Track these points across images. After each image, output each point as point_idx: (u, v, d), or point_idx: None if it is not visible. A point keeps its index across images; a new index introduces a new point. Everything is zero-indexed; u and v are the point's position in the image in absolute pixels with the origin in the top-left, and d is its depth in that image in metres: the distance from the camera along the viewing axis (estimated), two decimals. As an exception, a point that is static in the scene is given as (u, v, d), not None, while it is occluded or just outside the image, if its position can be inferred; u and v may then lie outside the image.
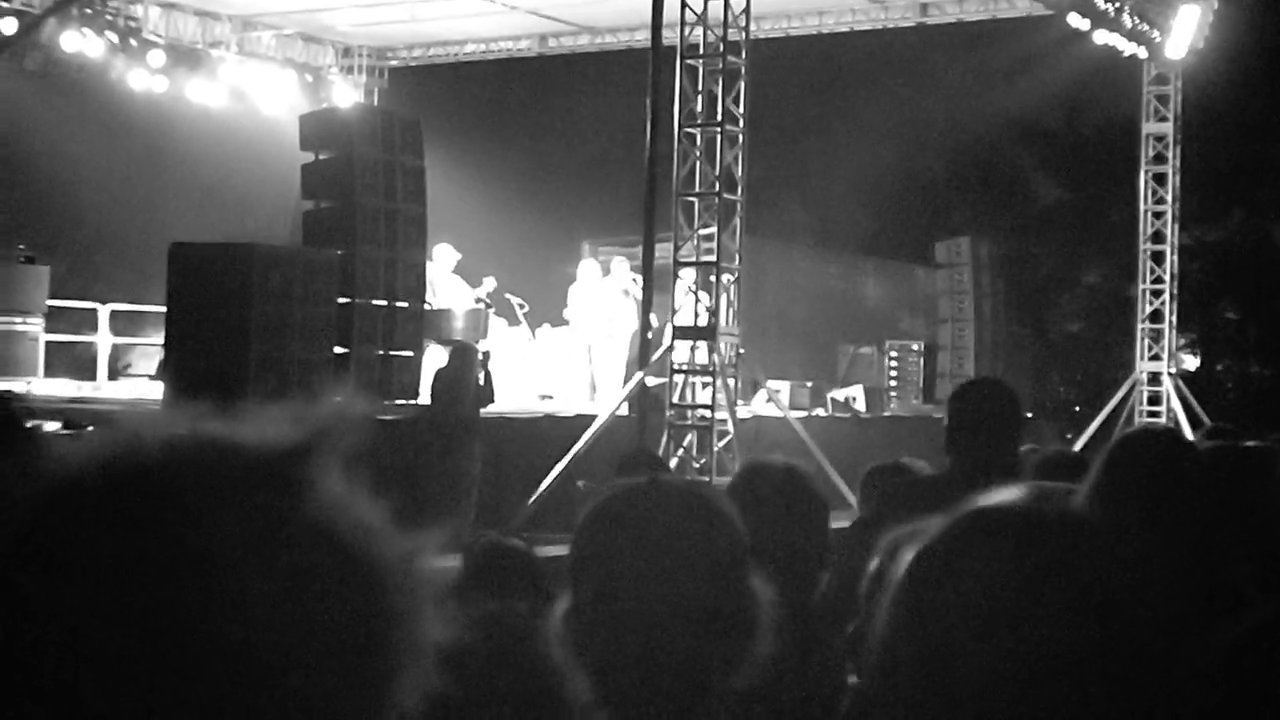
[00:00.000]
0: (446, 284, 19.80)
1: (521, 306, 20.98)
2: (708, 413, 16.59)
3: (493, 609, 3.49)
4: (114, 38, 22.26)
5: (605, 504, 2.61)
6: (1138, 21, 20.24)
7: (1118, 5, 19.89)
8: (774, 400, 18.29)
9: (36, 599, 1.03)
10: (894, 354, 22.26)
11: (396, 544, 1.13)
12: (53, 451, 1.10)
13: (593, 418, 16.26)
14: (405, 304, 17.36)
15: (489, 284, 20.14)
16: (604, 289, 20.97)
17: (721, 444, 16.28)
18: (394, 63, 26.29)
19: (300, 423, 1.12)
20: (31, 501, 1.07)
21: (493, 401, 15.22)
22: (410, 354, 17.32)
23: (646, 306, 17.61)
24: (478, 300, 19.93)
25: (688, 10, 17.68)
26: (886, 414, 20.97)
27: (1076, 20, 19.62)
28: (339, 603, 1.07)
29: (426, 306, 18.21)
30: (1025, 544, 1.41)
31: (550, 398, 19.94)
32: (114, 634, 1.01)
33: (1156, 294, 20.90)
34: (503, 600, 3.89)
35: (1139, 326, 20.79)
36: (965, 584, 1.38)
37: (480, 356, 15.31)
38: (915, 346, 22.11)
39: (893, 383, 22.20)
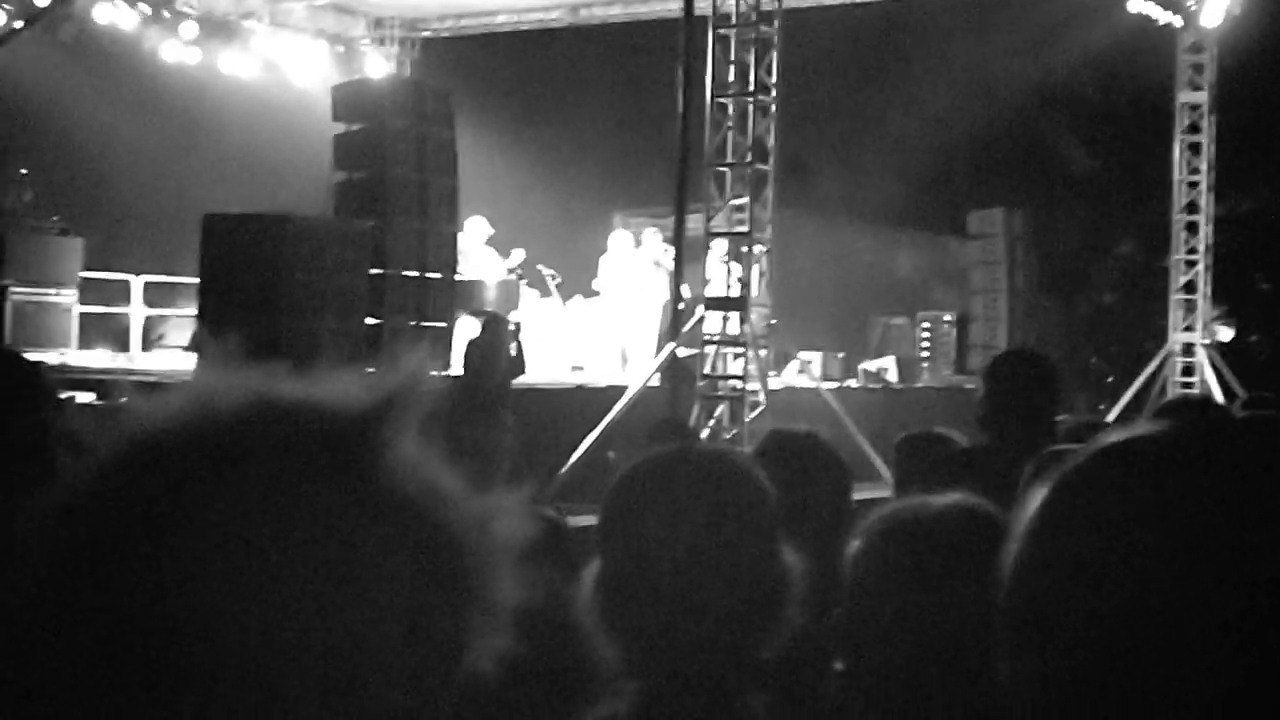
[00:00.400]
0: (478, 255, 19.82)
1: (553, 278, 20.99)
2: (739, 384, 16.58)
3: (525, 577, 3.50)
4: (146, 9, 22.31)
5: (635, 471, 2.61)
6: (1172, -10, 20.11)
7: (1152, -27, 19.77)
8: (806, 371, 18.28)
9: (118, 556, 1.02)
10: (926, 325, 22.23)
11: (472, 507, 1.12)
12: (131, 410, 1.10)
13: (624, 389, 16.27)
14: (437, 275, 17.38)
15: (518, 255, 20.15)
16: (635, 260, 20.96)
17: (753, 415, 16.26)
18: (425, 34, 26.25)
19: (375, 386, 1.11)
20: (113, 459, 1.07)
21: (524, 372, 15.25)
22: (443, 325, 17.35)
23: (678, 277, 17.59)
24: (509, 271, 19.95)
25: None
26: (919, 385, 20.92)
27: (1111, -11, 19.50)
28: (415, 565, 1.07)
29: (458, 278, 18.24)
30: (1176, 473, 1.35)
31: (582, 369, 19.96)
32: (197, 589, 1.01)
33: (1190, 265, 20.80)
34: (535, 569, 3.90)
35: (1172, 297, 20.69)
36: (1112, 516, 1.32)
37: (512, 328, 15.33)
38: (947, 317, 22.08)
39: (925, 354, 22.17)
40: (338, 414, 1.09)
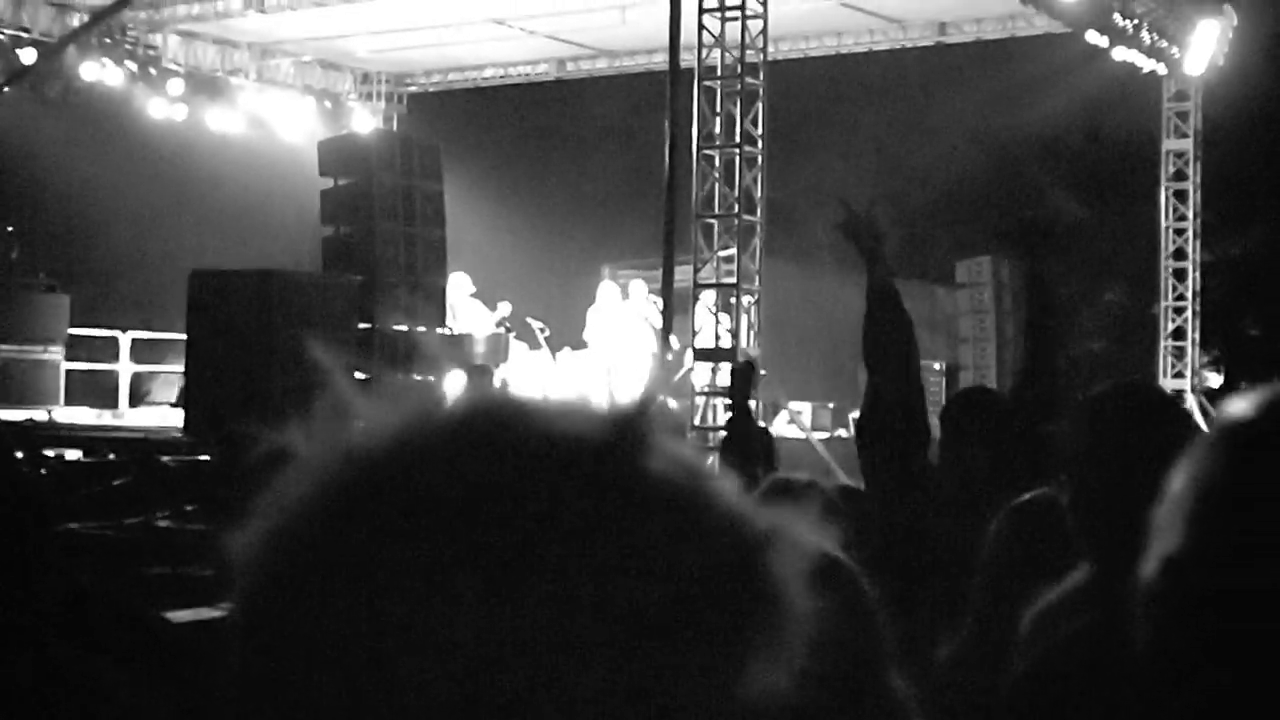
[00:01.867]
0: (465, 308, 19.80)
1: (542, 330, 20.97)
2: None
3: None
4: (133, 66, 22.35)
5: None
6: (1156, 38, 20.20)
7: (1136, 22, 19.85)
8: (795, 421, 18.25)
9: (346, 585, 0.93)
10: (915, 374, 22.20)
11: (761, 515, 1.04)
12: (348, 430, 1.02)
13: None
14: (425, 329, 17.36)
15: (505, 308, 20.15)
16: (622, 311, 20.96)
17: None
18: (412, 88, 26.33)
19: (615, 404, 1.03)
20: (335, 481, 0.98)
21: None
22: (432, 379, 17.31)
23: (667, 328, 17.58)
24: (498, 324, 19.94)
25: (705, 32, 17.71)
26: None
27: (1095, 37, 19.58)
28: (700, 568, 0.97)
29: (447, 332, 18.21)
30: None
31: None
32: (442, 625, 0.92)
33: (1179, 311, 20.83)
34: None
35: (1161, 344, 20.71)
36: None
37: (497, 382, 15.29)
38: (936, 366, 22.05)
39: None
40: (586, 423, 1.02)
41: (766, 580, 0.99)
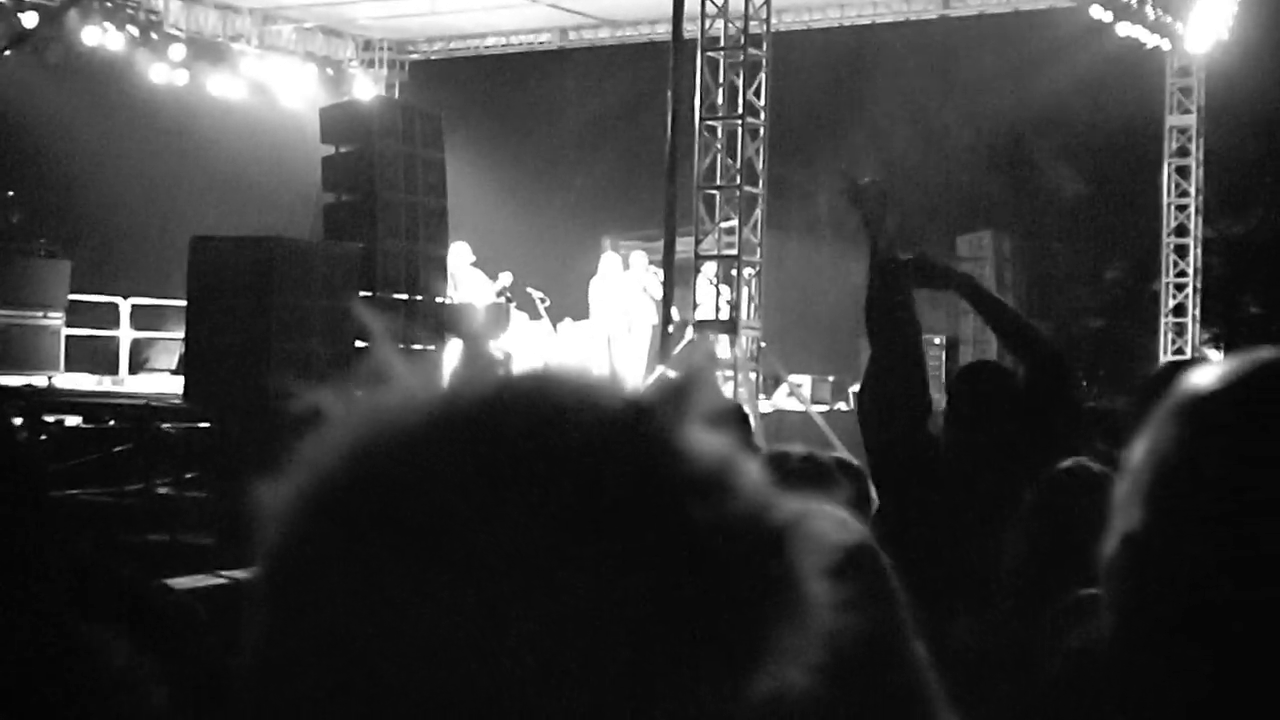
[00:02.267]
0: (466, 278, 19.79)
1: (542, 300, 20.96)
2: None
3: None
4: (135, 31, 22.28)
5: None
6: (1160, 13, 20.15)
7: (1141, -3, 19.80)
8: (795, 394, 18.25)
9: (366, 556, 0.93)
10: (916, 347, 22.16)
11: (783, 504, 1.02)
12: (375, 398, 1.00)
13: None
14: (426, 298, 17.34)
15: (506, 277, 20.13)
16: (624, 282, 20.94)
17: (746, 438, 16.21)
18: (415, 56, 26.27)
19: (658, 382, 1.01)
20: (360, 449, 0.96)
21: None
22: (431, 348, 17.29)
23: (668, 300, 17.57)
24: (498, 294, 19.92)
25: (708, 3, 17.67)
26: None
27: (1099, 12, 19.53)
28: (718, 554, 0.95)
29: (447, 301, 18.20)
30: None
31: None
32: (457, 598, 0.91)
33: (1179, 288, 20.81)
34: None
35: (1162, 321, 20.70)
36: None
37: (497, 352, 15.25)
38: (937, 340, 22.00)
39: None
40: (616, 401, 1.01)
41: (787, 572, 0.98)
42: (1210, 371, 1.36)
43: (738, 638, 0.95)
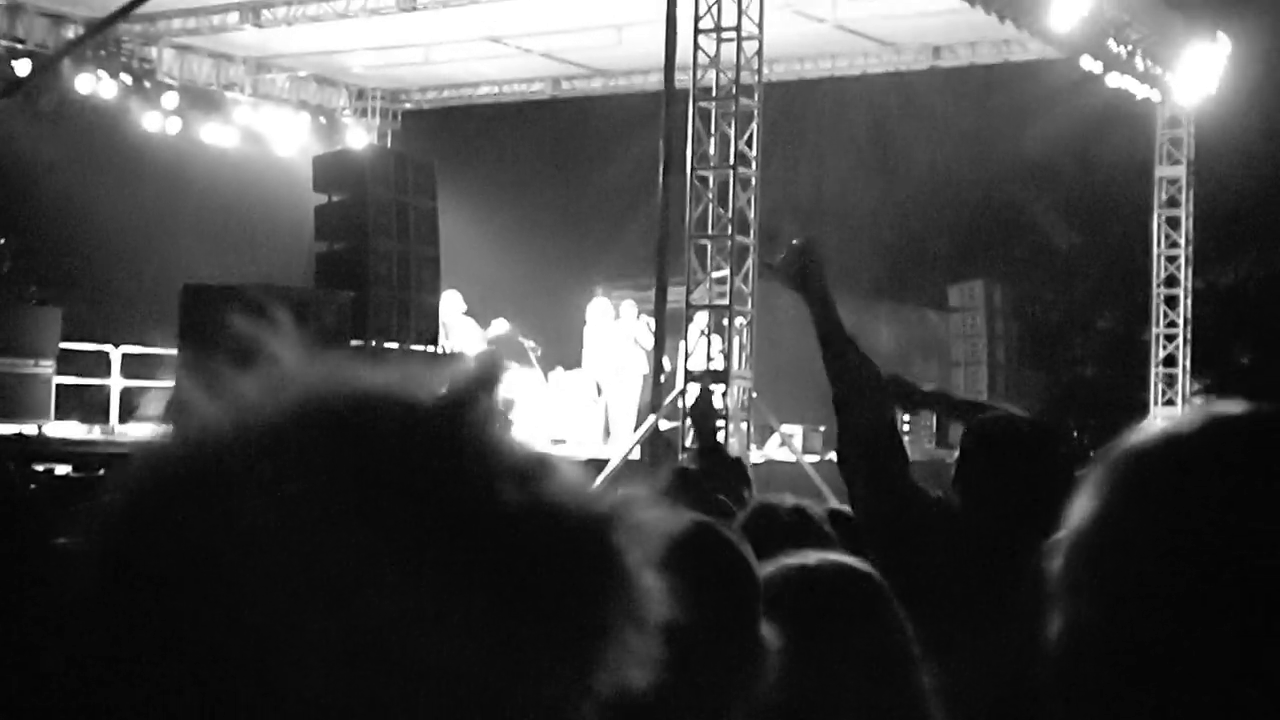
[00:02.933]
0: (458, 326, 19.79)
1: (534, 349, 20.95)
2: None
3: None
4: (128, 79, 22.34)
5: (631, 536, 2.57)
6: (1150, 64, 20.24)
7: (1130, 48, 19.89)
8: (787, 444, 18.23)
9: (178, 555, 0.95)
10: (907, 397, 22.16)
11: (601, 497, 1.03)
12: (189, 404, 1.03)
13: (605, 461, 16.21)
14: (418, 346, 17.34)
15: (500, 325, 20.12)
16: (614, 331, 20.94)
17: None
18: (407, 105, 26.35)
19: (451, 375, 1.03)
20: (172, 453, 1.00)
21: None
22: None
23: (659, 349, 17.56)
24: (490, 343, 19.90)
25: (701, 53, 17.71)
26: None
27: (1089, 63, 19.62)
28: (539, 541, 0.97)
29: (439, 350, 18.19)
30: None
31: (563, 441, 19.88)
32: (265, 596, 0.93)
33: (1170, 338, 20.85)
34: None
35: (1153, 370, 20.73)
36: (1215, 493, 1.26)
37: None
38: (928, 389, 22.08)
39: (906, 426, 22.12)
40: (419, 399, 1.02)
41: (614, 557, 0.98)
42: (1144, 434, 1.33)
43: (568, 626, 0.96)
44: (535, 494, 0.98)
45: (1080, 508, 1.31)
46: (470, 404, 1.00)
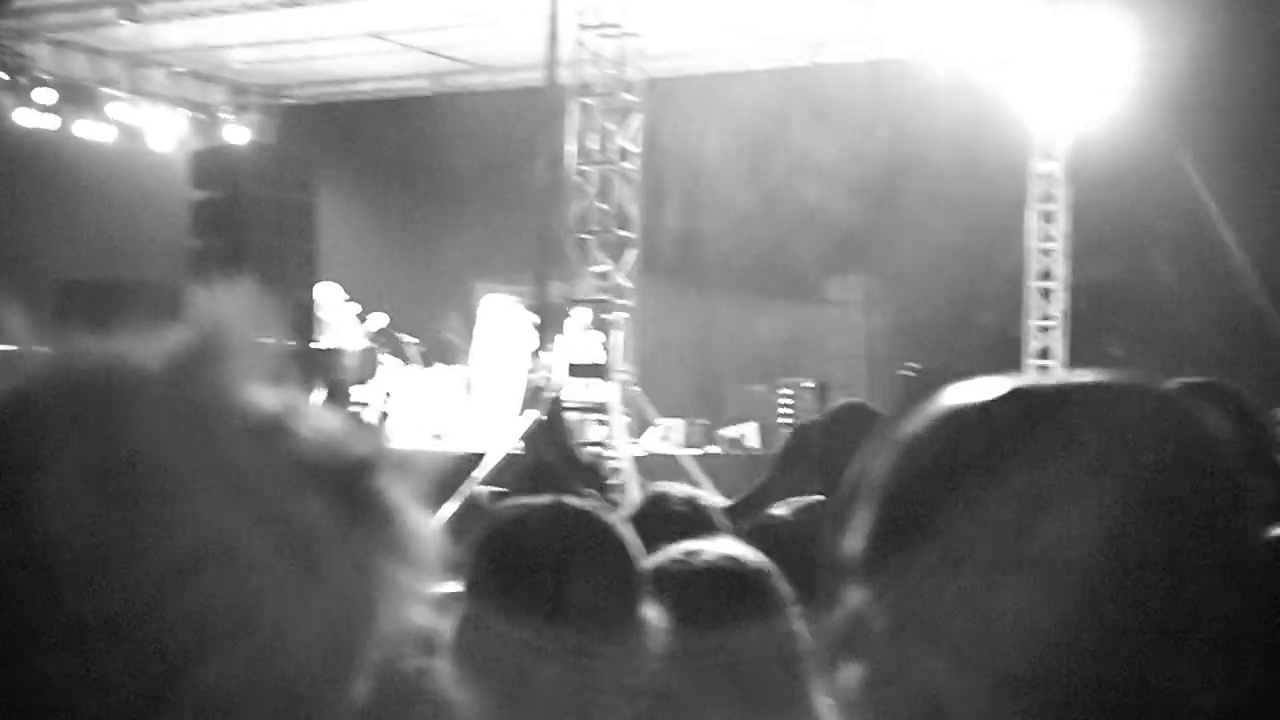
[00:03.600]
0: (337, 322, 19.67)
1: (414, 345, 20.88)
2: (600, 450, 16.57)
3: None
4: (3, 75, 22.01)
5: (507, 522, 2.59)
6: (1026, 64, 20.43)
7: (1006, 49, 20.09)
8: (666, 438, 18.30)
9: None
10: (786, 391, 22.33)
11: (355, 444, 1.05)
12: None
13: (483, 456, 16.19)
14: (294, 342, 17.22)
15: (378, 321, 20.04)
16: (497, 327, 20.91)
17: (614, 481, 16.25)
18: (288, 101, 26.14)
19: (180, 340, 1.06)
20: None
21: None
22: (300, 393, 17.16)
23: (540, 344, 17.58)
24: (369, 338, 19.82)
25: (583, 49, 17.74)
26: (779, 451, 20.89)
27: (966, 60, 19.80)
28: (288, 497, 1.01)
29: (316, 345, 18.08)
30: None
31: (440, 437, 19.81)
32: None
33: (1045, 330, 21.10)
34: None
35: (1025, 363, 20.97)
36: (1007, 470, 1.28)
37: (358, 395, 15.22)
38: (807, 384, 22.19)
39: (785, 420, 22.23)
40: (144, 367, 1.05)
41: (367, 498, 1.01)
42: (922, 414, 1.37)
43: (333, 570, 0.98)
44: (275, 448, 1.00)
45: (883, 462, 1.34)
46: (195, 370, 1.03)
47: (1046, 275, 21.11)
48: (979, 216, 21.28)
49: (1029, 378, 1.42)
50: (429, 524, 1.06)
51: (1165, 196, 20.91)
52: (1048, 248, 21.10)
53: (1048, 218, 21.14)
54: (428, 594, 1.06)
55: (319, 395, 17.34)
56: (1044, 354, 20.91)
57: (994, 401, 1.37)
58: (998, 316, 21.36)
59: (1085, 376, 1.39)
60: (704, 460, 17.89)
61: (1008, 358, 21.21)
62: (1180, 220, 21.23)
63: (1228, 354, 18.49)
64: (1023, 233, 21.27)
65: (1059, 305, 21.06)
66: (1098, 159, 20.37)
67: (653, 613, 2.60)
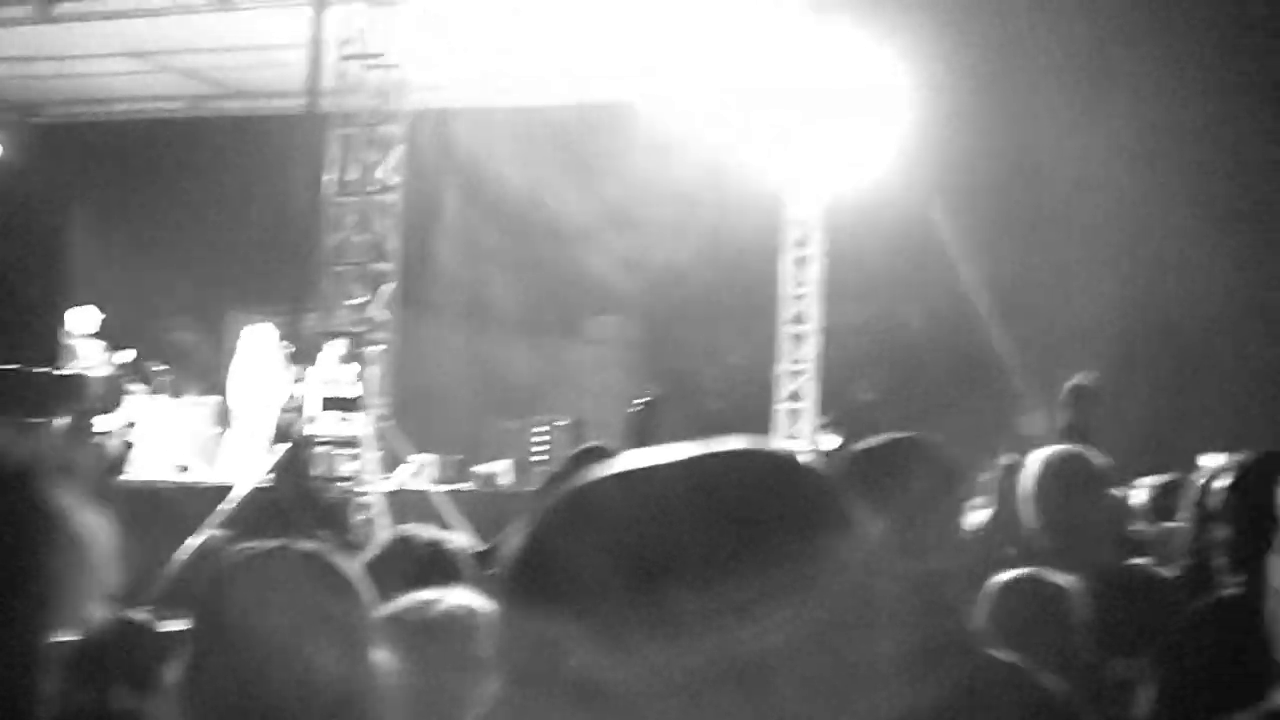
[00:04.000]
0: (84, 348, 19.21)
1: (164, 374, 20.50)
2: (351, 486, 16.44)
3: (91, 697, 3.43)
4: None
5: (233, 565, 2.58)
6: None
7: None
8: (419, 474, 18.21)
9: None
10: (542, 429, 22.35)
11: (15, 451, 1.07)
12: None
13: (232, 488, 15.96)
14: (38, 369, 16.80)
15: (127, 355, 19.64)
16: (253, 358, 20.63)
17: (364, 517, 16.13)
18: (38, 120, 25.48)
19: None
20: None
21: (122, 470, 14.85)
22: (43, 421, 16.74)
23: (293, 377, 17.40)
24: (117, 366, 19.40)
25: (345, 79, 17.64)
26: (533, 488, 20.96)
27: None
28: None
29: (62, 373, 17.65)
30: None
31: (187, 468, 19.46)
32: None
33: (798, 374, 21.45)
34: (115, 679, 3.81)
35: (776, 406, 21.30)
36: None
37: (103, 426, 14.93)
38: (562, 421, 22.25)
39: (540, 457, 22.27)
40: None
41: (41, 502, 1.04)
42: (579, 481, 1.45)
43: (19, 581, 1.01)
44: None
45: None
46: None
47: (798, 319, 21.46)
48: (736, 258, 21.58)
49: (668, 451, 1.48)
50: (99, 526, 1.09)
51: (917, 244, 21.43)
52: (800, 292, 21.46)
53: (801, 263, 21.50)
54: (102, 597, 1.09)
55: (61, 423, 16.93)
56: (794, 396, 21.26)
57: (598, 483, 1.41)
58: (753, 358, 21.67)
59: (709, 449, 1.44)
60: (457, 497, 17.82)
61: (762, 399, 21.56)
62: (930, 268, 21.78)
63: (966, 400, 19.07)
64: (776, 277, 21.59)
65: (811, 349, 21.41)
66: (852, 205, 20.78)
67: (384, 658, 2.60)
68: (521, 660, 1.31)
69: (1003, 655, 3.50)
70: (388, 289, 17.76)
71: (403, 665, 2.64)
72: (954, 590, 3.47)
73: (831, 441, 21.64)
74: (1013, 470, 6.45)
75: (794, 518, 1.29)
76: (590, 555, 1.32)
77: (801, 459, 1.33)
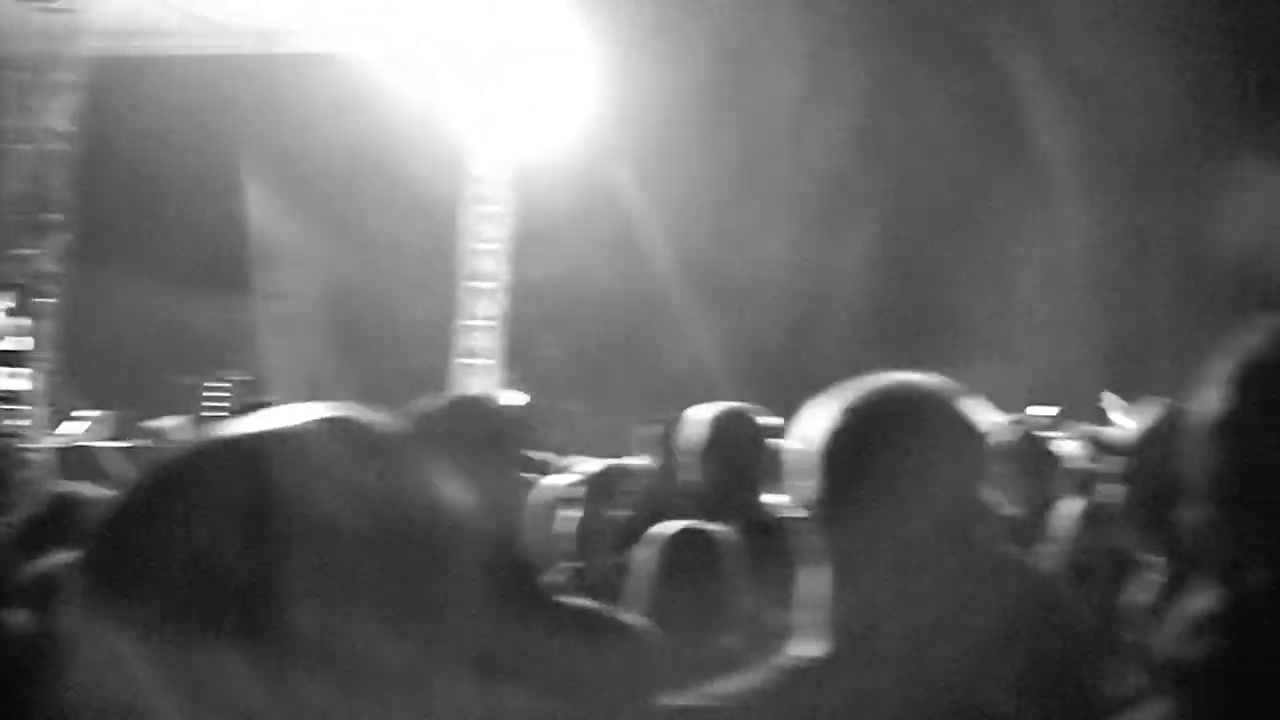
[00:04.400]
0: None
1: None
2: (13, 442, 15.95)
3: None
4: None
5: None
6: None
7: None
8: (89, 430, 17.77)
9: None
10: (216, 384, 21.95)
11: None
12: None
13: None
14: None
15: None
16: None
17: (27, 474, 15.66)
18: None
19: None
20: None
21: None
22: None
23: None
24: None
25: (13, 20, 17.08)
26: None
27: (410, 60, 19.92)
28: None
29: None
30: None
31: None
32: None
33: (479, 330, 21.39)
34: None
35: (456, 360, 21.24)
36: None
37: None
38: (241, 377, 21.91)
39: (216, 414, 21.85)
40: None
41: None
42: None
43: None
44: None
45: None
46: None
47: (482, 275, 21.46)
48: (417, 213, 21.49)
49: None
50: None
51: (606, 205, 21.63)
52: (486, 249, 21.45)
53: (487, 218, 21.49)
54: None
55: None
56: (472, 353, 21.27)
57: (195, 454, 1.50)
58: (439, 314, 21.61)
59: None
60: (128, 454, 17.41)
61: (445, 354, 21.54)
62: (619, 228, 22.01)
63: (647, 358, 19.34)
64: (459, 231, 21.55)
65: (496, 305, 21.43)
66: (544, 164, 20.87)
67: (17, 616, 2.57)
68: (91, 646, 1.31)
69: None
70: (59, 240, 17.24)
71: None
72: (510, 529, 3.58)
73: (518, 398, 21.77)
74: (673, 425, 6.60)
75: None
76: (167, 538, 1.33)
77: (385, 424, 1.37)
